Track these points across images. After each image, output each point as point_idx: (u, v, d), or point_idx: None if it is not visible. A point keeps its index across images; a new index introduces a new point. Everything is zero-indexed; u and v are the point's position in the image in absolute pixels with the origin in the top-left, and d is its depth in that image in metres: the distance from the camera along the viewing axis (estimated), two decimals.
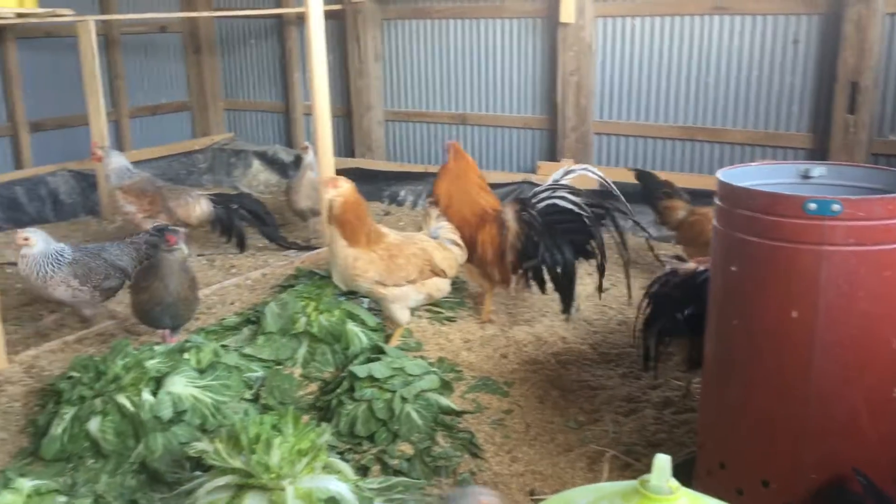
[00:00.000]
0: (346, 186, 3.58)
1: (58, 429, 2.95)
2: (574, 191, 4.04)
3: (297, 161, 6.05)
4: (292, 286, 4.27)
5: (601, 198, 4.11)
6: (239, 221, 5.34)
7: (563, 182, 4.09)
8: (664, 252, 4.95)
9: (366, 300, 4.06)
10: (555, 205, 4.02)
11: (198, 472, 2.61)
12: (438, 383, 3.30)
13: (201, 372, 3.19)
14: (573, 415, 3.30)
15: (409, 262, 3.70)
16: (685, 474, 2.63)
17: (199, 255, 5.36)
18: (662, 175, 5.06)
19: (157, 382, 3.04)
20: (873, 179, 2.48)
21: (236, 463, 2.39)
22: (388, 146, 7.21)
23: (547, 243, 3.94)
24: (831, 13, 5.14)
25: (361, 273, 3.62)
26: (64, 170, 6.57)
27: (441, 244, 3.87)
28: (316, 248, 5.41)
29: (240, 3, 7.72)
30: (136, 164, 5.93)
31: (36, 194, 6.39)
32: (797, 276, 2.20)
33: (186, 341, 3.41)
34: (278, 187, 7.17)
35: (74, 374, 3.17)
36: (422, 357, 3.65)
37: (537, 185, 4.34)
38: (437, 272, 3.81)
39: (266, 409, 3.22)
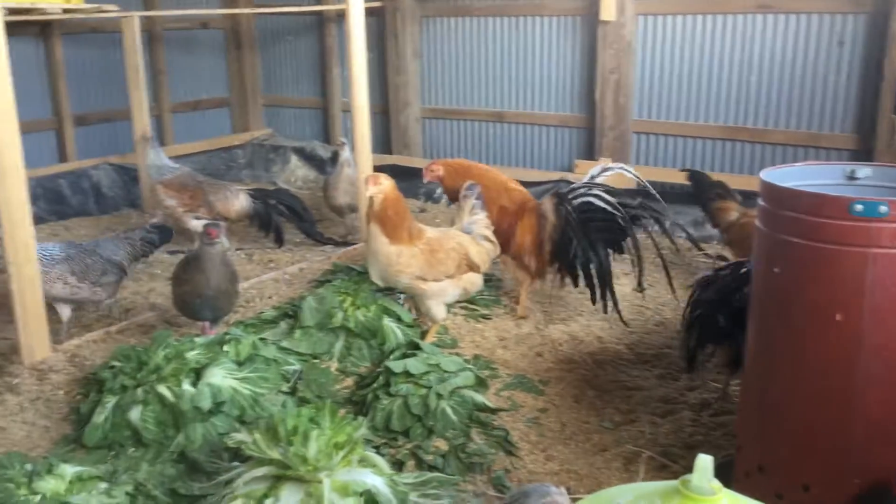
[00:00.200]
0: (386, 183, 3.59)
1: (100, 417, 3.01)
2: (610, 189, 4.04)
3: (335, 157, 6.08)
4: (329, 281, 4.32)
5: (637, 197, 4.09)
6: (277, 216, 5.41)
7: (599, 180, 4.10)
8: (706, 253, 4.90)
9: (402, 296, 4.08)
10: (590, 203, 4.02)
11: (236, 463, 2.64)
12: (474, 380, 3.30)
13: (240, 364, 3.23)
14: (609, 415, 3.29)
15: (448, 257, 3.72)
16: (723, 477, 2.57)
17: (237, 250, 5.43)
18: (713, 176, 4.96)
19: (197, 374, 3.09)
20: None
21: (274, 454, 2.41)
22: (425, 143, 7.22)
23: (581, 241, 3.96)
24: (878, 12, 5.04)
25: (404, 268, 3.63)
26: (106, 163, 6.70)
27: (474, 239, 3.89)
28: (353, 244, 5.44)
29: None
30: (177, 158, 6.03)
31: (79, 187, 6.52)
32: (842, 278, 2.16)
33: (226, 334, 3.46)
34: (316, 183, 7.23)
35: (116, 363, 3.23)
36: (457, 354, 3.66)
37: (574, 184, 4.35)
38: (472, 267, 3.82)
39: (303, 401, 3.24)
